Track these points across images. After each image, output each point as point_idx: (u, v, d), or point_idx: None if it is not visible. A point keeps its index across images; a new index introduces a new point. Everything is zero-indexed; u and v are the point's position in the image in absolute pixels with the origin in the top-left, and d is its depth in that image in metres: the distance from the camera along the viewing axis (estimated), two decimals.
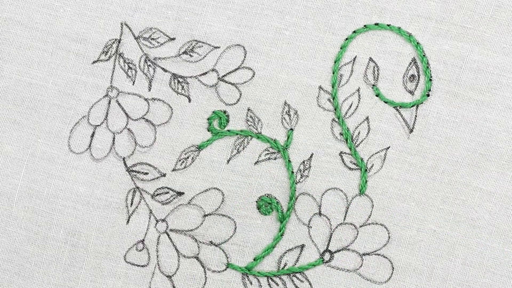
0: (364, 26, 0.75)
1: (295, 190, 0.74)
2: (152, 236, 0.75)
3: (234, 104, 0.76)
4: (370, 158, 0.75)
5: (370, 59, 0.75)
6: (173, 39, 0.77)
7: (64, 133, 0.77)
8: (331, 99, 0.75)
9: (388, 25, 0.75)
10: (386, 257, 0.74)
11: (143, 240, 0.76)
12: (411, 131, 0.75)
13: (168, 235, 0.75)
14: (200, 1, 0.77)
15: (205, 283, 0.75)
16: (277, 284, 0.75)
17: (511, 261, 0.73)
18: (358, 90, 0.75)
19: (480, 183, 0.74)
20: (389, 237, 0.74)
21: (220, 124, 0.76)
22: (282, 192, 0.75)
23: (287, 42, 0.76)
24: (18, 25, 0.78)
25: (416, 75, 0.75)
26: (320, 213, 0.74)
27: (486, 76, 0.74)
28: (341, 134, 0.75)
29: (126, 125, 0.76)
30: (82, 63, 0.77)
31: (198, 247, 0.75)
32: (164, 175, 0.76)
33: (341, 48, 0.75)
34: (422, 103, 0.74)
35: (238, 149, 0.76)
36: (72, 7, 0.78)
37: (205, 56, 0.76)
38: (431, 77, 0.74)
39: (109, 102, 0.77)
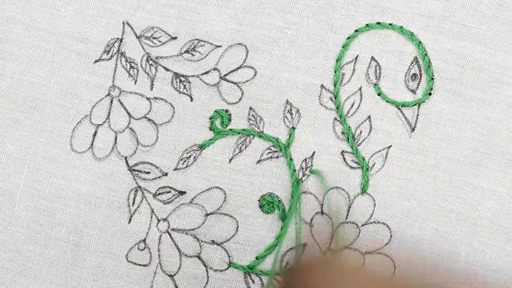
0: (366, 25, 0.75)
1: (297, 189, 0.75)
2: (154, 236, 0.76)
3: (236, 103, 0.76)
4: (371, 157, 0.75)
5: (372, 58, 0.75)
6: (175, 38, 0.77)
7: (66, 132, 0.77)
8: (333, 98, 0.75)
9: (390, 24, 0.75)
10: (388, 256, 0.74)
11: (145, 239, 0.76)
12: (413, 129, 0.75)
13: (169, 234, 0.75)
14: (202, 0, 0.77)
15: (207, 282, 0.75)
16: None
17: None
18: (360, 89, 0.75)
19: (481, 181, 0.74)
20: (391, 235, 0.74)
21: (222, 123, 0.76)
22: (284, 191, 0.75)
23: (289, 40, 0.76)
24: (20, 24, 0.78)
25: (418, 74, 0.75)
26: (322, 212, 0.75)
27: (488, 75, 0.74)
28: (342, 133, 0.75)
29: (128, 124, 0.77)
30: (84, 62, 0.77)
31: (200, 246, 0.75)
32: (166, 174, 0.76)
33: (343, 47, 0.75)
34: (424, 102, 0.75)
35: (240, 148, 0.76)
36: (74, 6, 0.78)
37: (207, 55, 0.76)
38: (433, 76, 0.75)
39: (111, 101, 0.77)
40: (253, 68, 0.76)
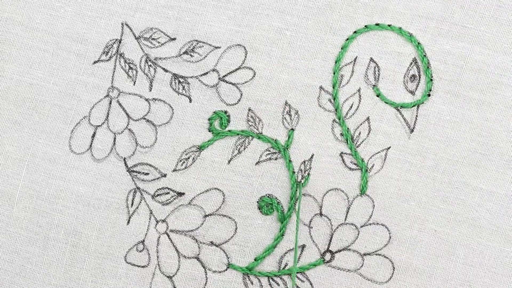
0: (365, 26, 0.75)
1: (296, 190, 0.74)
2: (152, 237, 0.76)
3: (235, 104, 0.76)
4: (370, 158, 0.75)
5: (371, 59, 0.75)
6: (174, 39, 0.77)
7: (65, 133, 0.77)
8: (332, 100, 0.75)
9: (389, 25, 0.75)
10: (387, 257, 0.74)
11: (143, 240, 0.76)
12: (412, 131, 0.75)
13: (168, 235, 0.75)
14: (200, 1, 0.77)
15: (206, 283, 0.75)
16: (278, 284, 0.75)
17: None
18: (359, 90, 0.75)
19: (480, 182, 0.74)
20: (390, 237, 0.74)
21: (221, 124, 0.76)
22: (283, 192, 0.75)
23: (288, 42, 0.76)
24: (19, 25, 0.78)
25: (417, 75, 0.75)
26: (321, 214, 0.74)
27: (487, 76, 0.74)
28: (341, 134, 0.75)
29: (127, 125, 0.76)
30: (83, 63, 0.77)
31: (199, 248, 0.75)
32: (165, 175, 0.76)
33: (342, 49, 0.75)
34: (423, 103, 0.75)
35: (239, 150, 0.76)
36: (73, 7, 0.78)
37: (205, 56, 0.76)
38: (431, 77, 0.74)
39: (110, 103, 0.77)
40: (252, 69, 0.76)
